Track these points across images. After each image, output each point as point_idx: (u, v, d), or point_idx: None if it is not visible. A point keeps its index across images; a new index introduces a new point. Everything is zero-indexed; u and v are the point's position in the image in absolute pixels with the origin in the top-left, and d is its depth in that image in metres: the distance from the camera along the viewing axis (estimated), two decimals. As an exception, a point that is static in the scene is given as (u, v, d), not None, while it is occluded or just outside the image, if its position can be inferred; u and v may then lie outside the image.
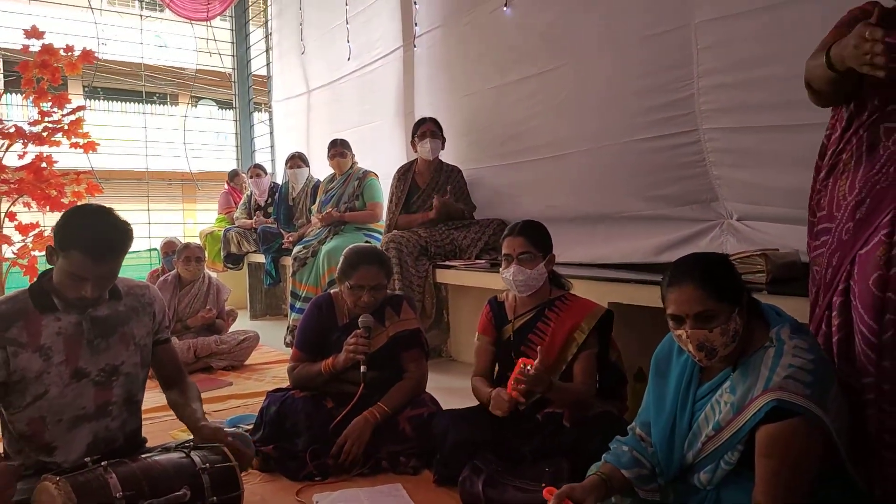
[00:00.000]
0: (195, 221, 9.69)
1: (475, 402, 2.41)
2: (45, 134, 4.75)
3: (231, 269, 6.24)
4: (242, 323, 5.17)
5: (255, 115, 8.38)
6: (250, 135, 8.25)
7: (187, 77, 9.73)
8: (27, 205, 4.80)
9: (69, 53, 4.78)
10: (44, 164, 4.72)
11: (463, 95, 4.46)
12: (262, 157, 7.91)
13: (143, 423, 2.10)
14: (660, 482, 1.67)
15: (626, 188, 3.43)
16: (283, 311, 6.13)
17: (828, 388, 1.46)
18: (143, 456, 1.80)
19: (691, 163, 3.07)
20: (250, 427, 2.58)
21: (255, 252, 6.05)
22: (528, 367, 2.09)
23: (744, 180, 2.92)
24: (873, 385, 1.56)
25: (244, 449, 1.94)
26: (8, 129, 4.70)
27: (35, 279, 1.92)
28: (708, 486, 1.60)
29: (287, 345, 4.73)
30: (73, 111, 4.83)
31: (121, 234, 1.83)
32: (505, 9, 3.99)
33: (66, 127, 4.80)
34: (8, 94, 6.61)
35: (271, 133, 7.68)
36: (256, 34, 8.14)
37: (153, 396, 2.83)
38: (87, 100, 8.35)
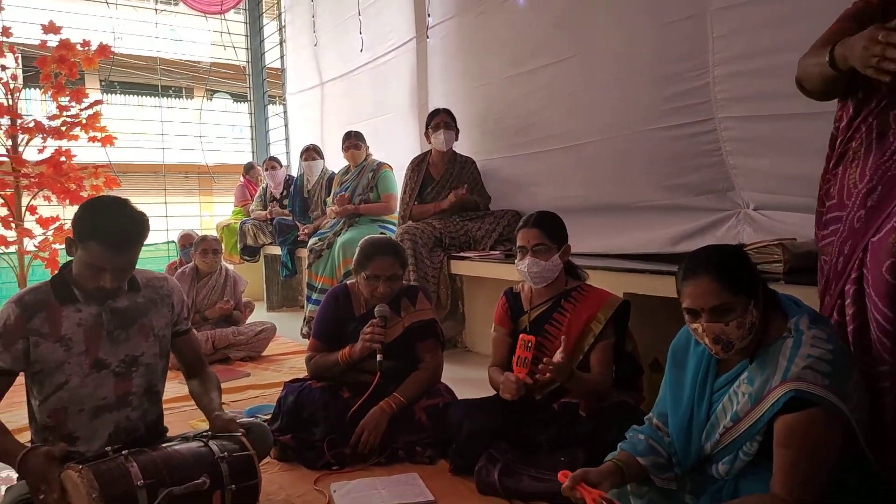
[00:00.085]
0: (212, 214, 9.77)
1: (490, 393, 2.42)
2: (63, 128, 4.82)
3: (247, 261, 6.28)
4: (259, 314, 5.21)
5: (270, 107, 8.40)
6: (265, 127, 8.28)
7: (202, 70, 9.78)
8: (47, 198, 4.87)
9: (86, 48, 4.83)
10: (63, 158, 4.78)
11: (476, 86, 4.44)
12: (276, 150, 7.93)
13: (164, 412, 2.12)
14: (676, 471, 1.67)
15: (641, 178, 3.40)
16: (300, 303, 6.18)
17: (847, 378, 1.45)
18: (163, 445, 1.83)
19: (707, 152, 3.04)
20: (268, 417, 2.61)
21: (271, 244, 6.08)
22: (530, 343, 2.11)
23: (760, 169, 2.89)
24: (889, 373, 1.54)
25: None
26: (27, 123, 4.77)
27: (56, 271, 1.95)
28: (726, 477, 1.60)
29: (304, 336, 4.77)
30: (91, 105, 4.89)
31: (137, 224, 1.85)
32: (518, -2, 3.97)
33: (83, 121, 4.86)
34: (27, 89, 6.68)
35: (286, 125, 7.69)
36: (270, 27, 8.15)
37: (174, 386, 2.88)
38: (104, 94, 8.40)
